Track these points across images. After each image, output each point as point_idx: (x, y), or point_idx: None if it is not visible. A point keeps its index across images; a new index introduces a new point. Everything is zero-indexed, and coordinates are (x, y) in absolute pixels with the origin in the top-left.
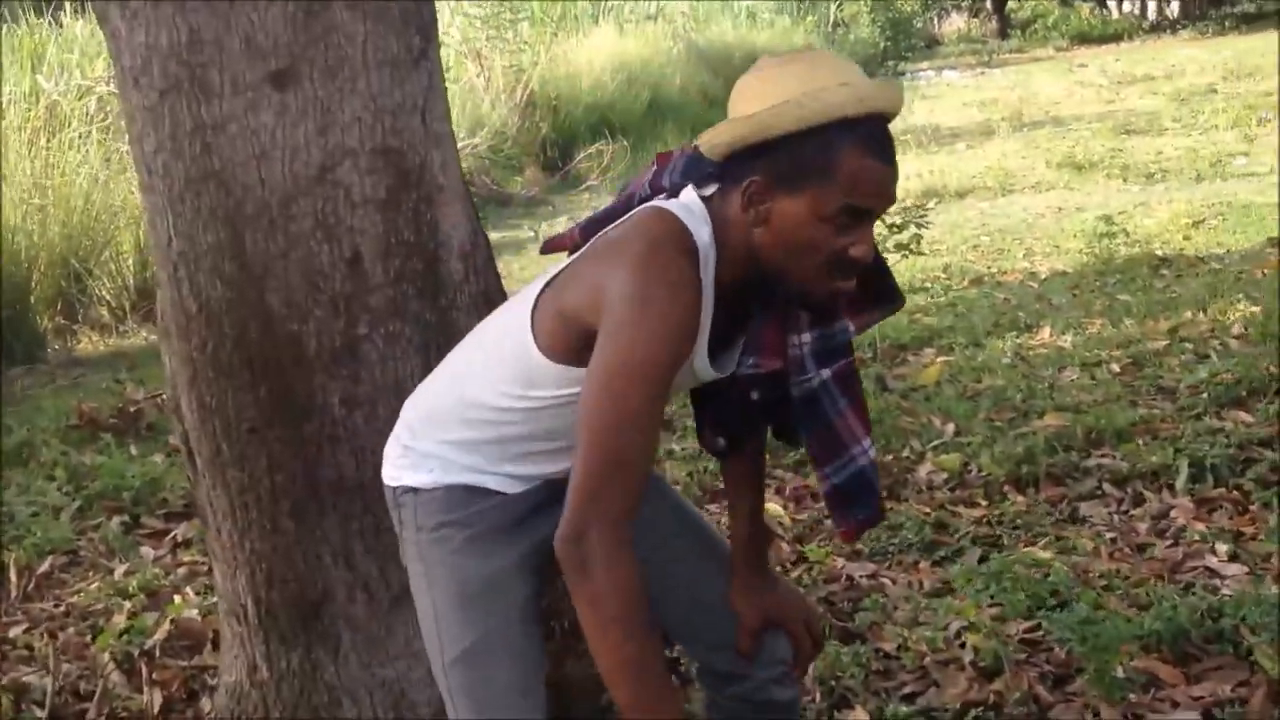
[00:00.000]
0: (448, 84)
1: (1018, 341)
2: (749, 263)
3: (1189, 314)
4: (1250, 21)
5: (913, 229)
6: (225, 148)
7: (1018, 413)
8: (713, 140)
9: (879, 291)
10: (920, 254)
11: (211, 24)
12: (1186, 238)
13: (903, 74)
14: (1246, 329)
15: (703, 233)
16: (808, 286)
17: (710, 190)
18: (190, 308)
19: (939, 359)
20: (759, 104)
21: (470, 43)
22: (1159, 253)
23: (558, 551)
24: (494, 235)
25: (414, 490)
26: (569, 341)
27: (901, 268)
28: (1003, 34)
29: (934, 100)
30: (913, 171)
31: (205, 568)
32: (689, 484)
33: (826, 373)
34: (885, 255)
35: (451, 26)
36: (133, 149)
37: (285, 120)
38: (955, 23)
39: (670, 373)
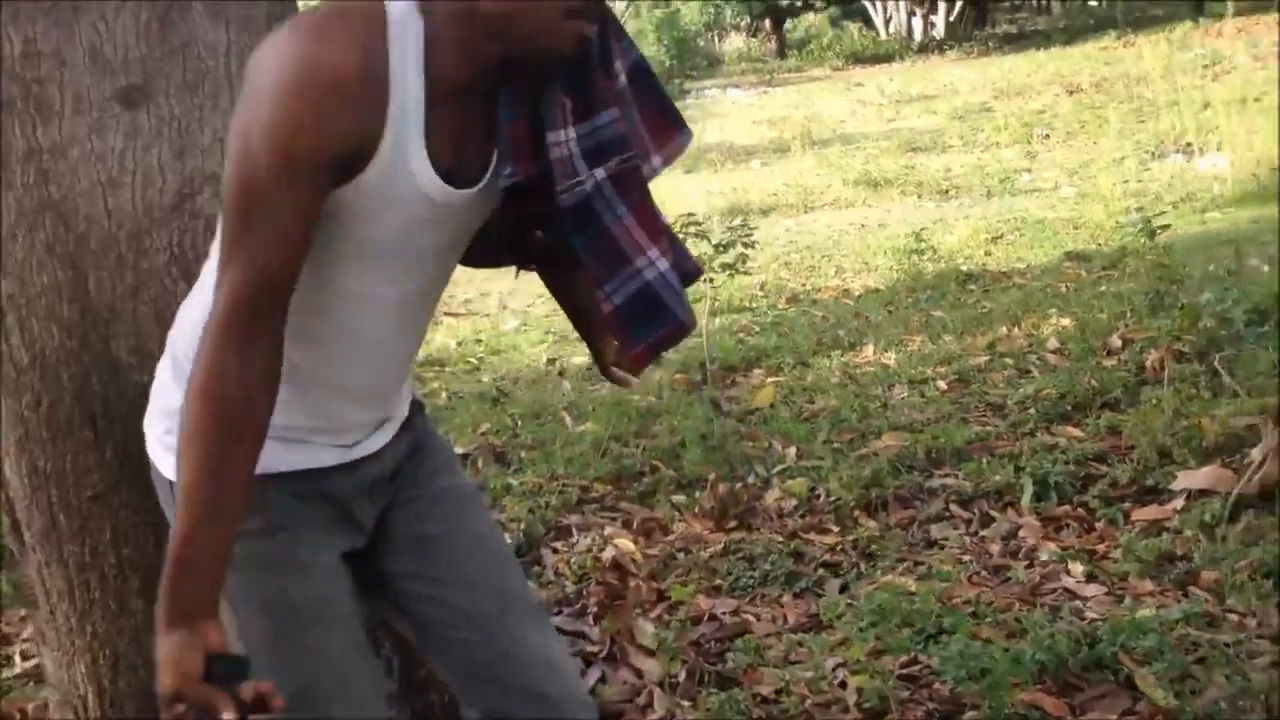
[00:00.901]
0: None
1: (844, 360)
2: (478, 43)
3: (1004, 329)
4: (1012, 42)
5: (739, 248)
6: (66, 175)
7: (856, 433)
8: None
9: (674, 117)
10: (746, 274)
11: (51, 35)
12: (987, 253)
13: (688, 91)
14: (1062, 344)
15: (400, 7)
16: (550, 37)
17: None
18: (20, 359)
19: (769, 380)
20: None
21: None
22: (964, 268)
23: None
24: None
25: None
26: None
27: (724, 288)
28: (781, 53)
29: (722, 118)
30: (714, 189)
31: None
32: (530, 520)
33: (601, 173)
34: (712, 276)
35: None
36: None
37: (136, 143)
38: (735, 42)
39: (291, 167)
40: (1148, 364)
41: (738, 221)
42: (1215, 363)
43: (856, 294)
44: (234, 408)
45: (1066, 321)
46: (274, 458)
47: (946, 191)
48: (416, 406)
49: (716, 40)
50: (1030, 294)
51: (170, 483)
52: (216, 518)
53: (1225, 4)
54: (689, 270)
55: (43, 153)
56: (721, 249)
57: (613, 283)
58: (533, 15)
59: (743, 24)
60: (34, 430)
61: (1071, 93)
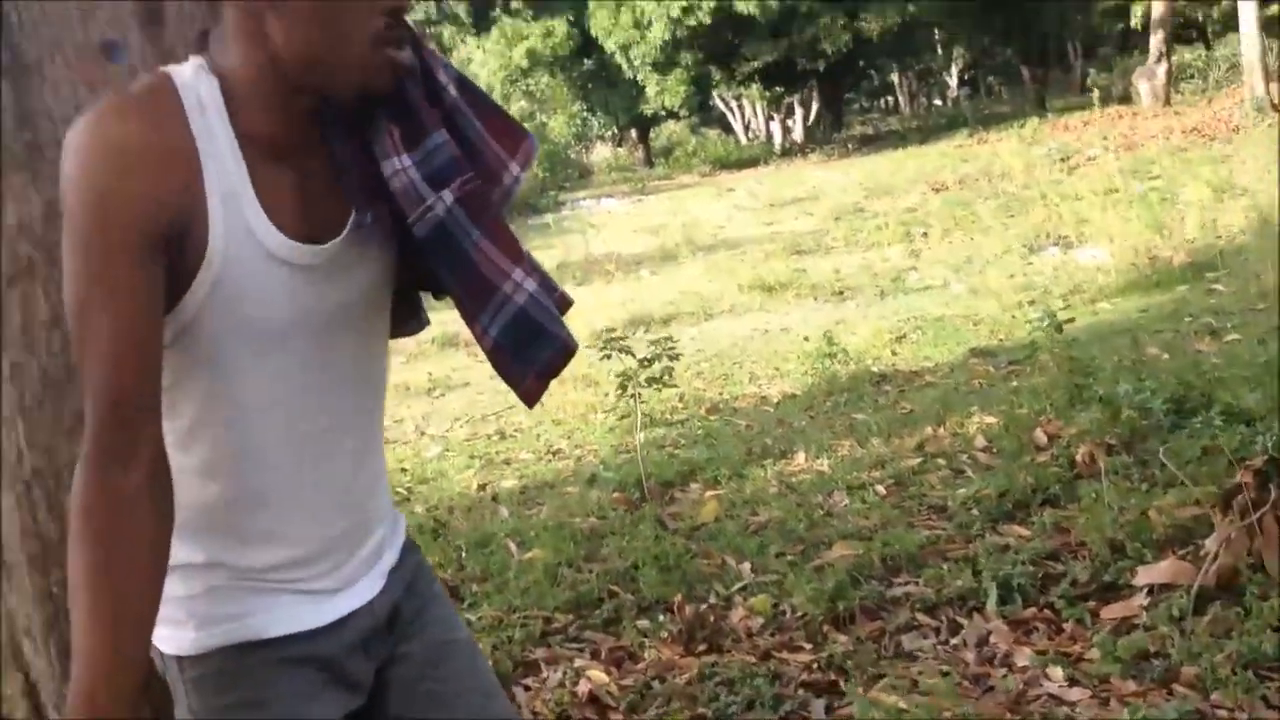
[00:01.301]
0: None
1: (777, 469)
2: (285, 96)
3: (929, 429)
4: (869, 143)
5: (664, 361)
6: None
7: (806, 544)
8: None
9: (513, 121)
10: (672, 386)
11: None
12: (894, 352)
13: (563, 203)
14: (989, 441)
15: (186, 72)
16: (362, 71)
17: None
18: (50, 534)
19: (708, 494)
20: None
21: None
22: (874, 369)
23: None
24: None
25: (178, 659)
26: None
27: (650, 401)
28: (648, 162)
29: (601, 228)
30: (612, 300)
31: None
32: (498, 657)
33: (449, 195)
34: (638, 391)
35: None
36: None
37: None
38: (602, 152)
39: (108, 251)
40: (1078, 458)
41: (642, 331)
42: (1142, 454)
43: (775, 400)
44: (117, 528)
45: (990, 419)
46: (247, 622)
47: (840, 293)
48: (409, 547)
49: (585, 152)
50: (946, 392)
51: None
52: (111, 624)
53: (1065, 99)
54: (560, 299)
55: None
56: (646, 363)
57: (486, 313)
58: (338, 55)
59: (608, 135)
60: None
61: (937, 190)
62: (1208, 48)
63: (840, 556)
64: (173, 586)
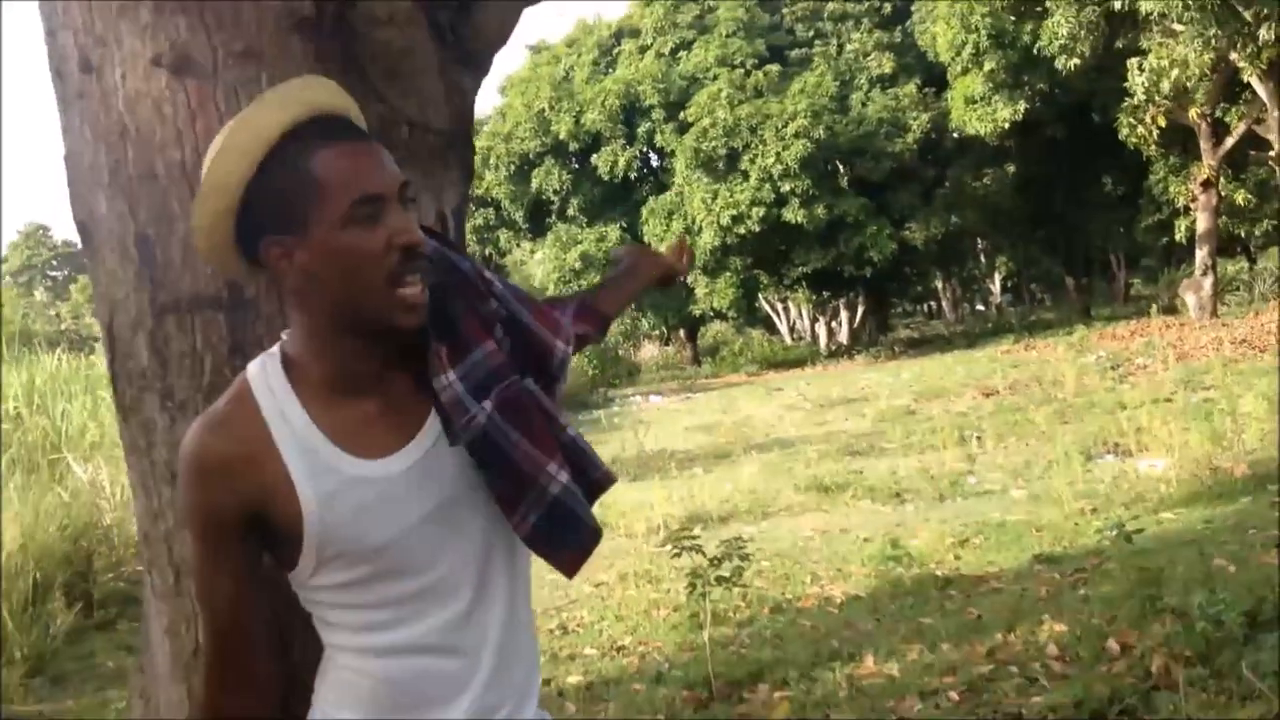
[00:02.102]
0: None
1: (846, 672)
2: (332, 337)
3: (999, 636)
4: (915, 346)
5: (735, 560)
6: None
7: None
8: (196, 231)
9: (553, 314)
10: (743, 586)
11: None
12: (957, 557)
13: (612, 400)
14: (1061, 650)
15: (255, 366)
16: (384, 310)
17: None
18: None
19: (777, 694)
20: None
21: None
22: (938, 573)
23: None
24: None
25: None
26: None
27: (721, 601)
28: (695, 360)
29: (653, 425)
30: (669, 497)
31: None
32: None
33: (489, 404)
34: (708, 589)
35: None
36: (151, 550)
37: None
38: (649, 350)
39: (218, 547)
40: (1153, 669)
41: (700, 529)
42: (1218, 667)
43: (839, 601)
44: None
45: (1060, 627)
46: None
47: (898, 495)
48: None
49: (633, 350)
50: (1013, 599)
51: None
52: None
53: (1110, 309)
54: (600, 479)
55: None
56: (716, 562)
57: (524, 505)
58: (357, 297)
59: (656, 333)
60: None
61: (988, 395)
62: (1251, 262)
63: None
64: None
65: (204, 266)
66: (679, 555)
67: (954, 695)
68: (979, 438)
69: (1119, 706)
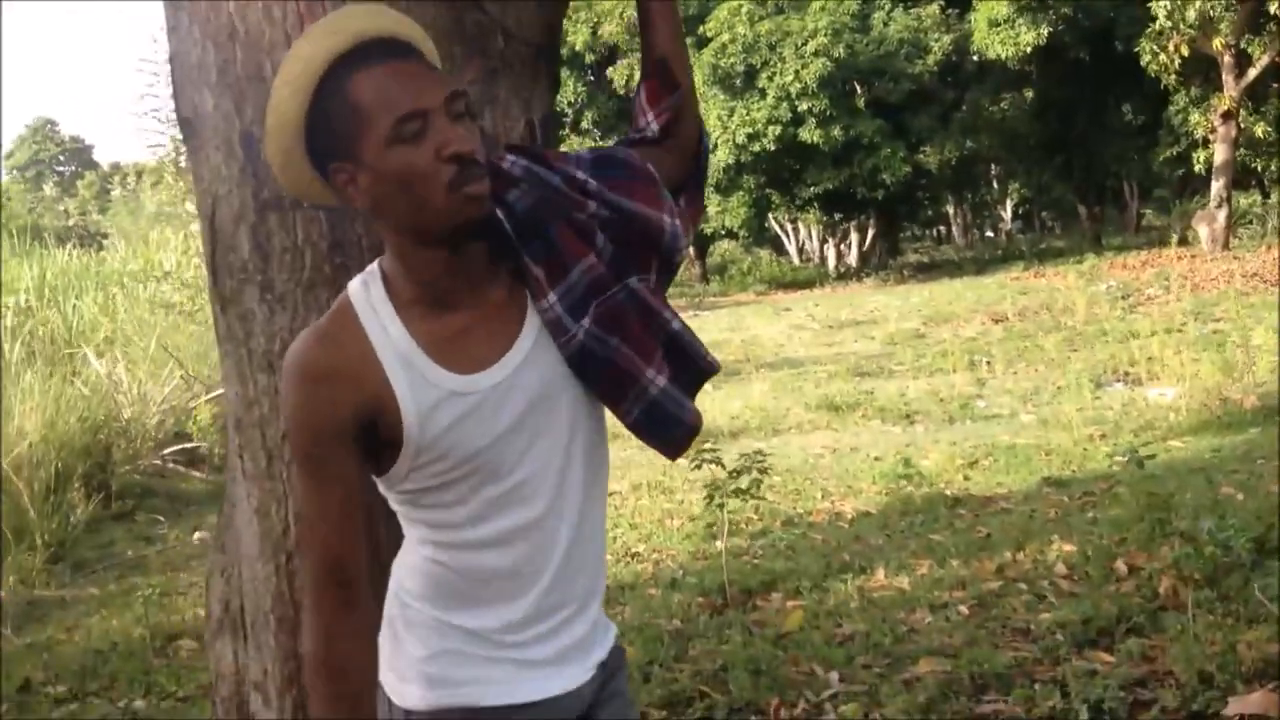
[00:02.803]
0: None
1: (858, 584)
2: (414, 251)
3: (1008, 554)
4: (924, 270)
5: (754, 473)
6: None
7: (893, 658)
8: (275, 169)
9: (657, 191)
10: (761, 498)
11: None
12: (966, 478)
13: None
14: (1070, 569)
15: (357, 284)
16: (451, 214)
17: None
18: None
19: (790, 604)
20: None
21: None
22: (948, 493)
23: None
24: None
25: (407, 713)
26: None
27: (738, 512)
28: (704, 278)
29: None
30: None
31: None
32: None
33: (586, 321)
34: (726, 501)
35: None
36: (243, 436)
37: None
38: None
39: (329, 459)
40: (1161, 590)
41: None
42: (1225, 590)
43: (849, 517)
44: (346, 678)
45: (1069, 547)
46: (474, 689)
47: (908, 416)
48: (618, 652)
49: None
50: (1022, 519)
51: (402, 709)
52: None
53: (1122, 238)
54: (704, 369)
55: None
56: (735, 475)
57: (627, 402)
58: (424, 210)
59: None
60: None
61: (998, 321)
62: (1264, 196)
63: (928, 672)
64: (412, 646)
65: None
66: (699, 467)
67: (963, 609)
68: (988, 363)
69: (1126, 625)
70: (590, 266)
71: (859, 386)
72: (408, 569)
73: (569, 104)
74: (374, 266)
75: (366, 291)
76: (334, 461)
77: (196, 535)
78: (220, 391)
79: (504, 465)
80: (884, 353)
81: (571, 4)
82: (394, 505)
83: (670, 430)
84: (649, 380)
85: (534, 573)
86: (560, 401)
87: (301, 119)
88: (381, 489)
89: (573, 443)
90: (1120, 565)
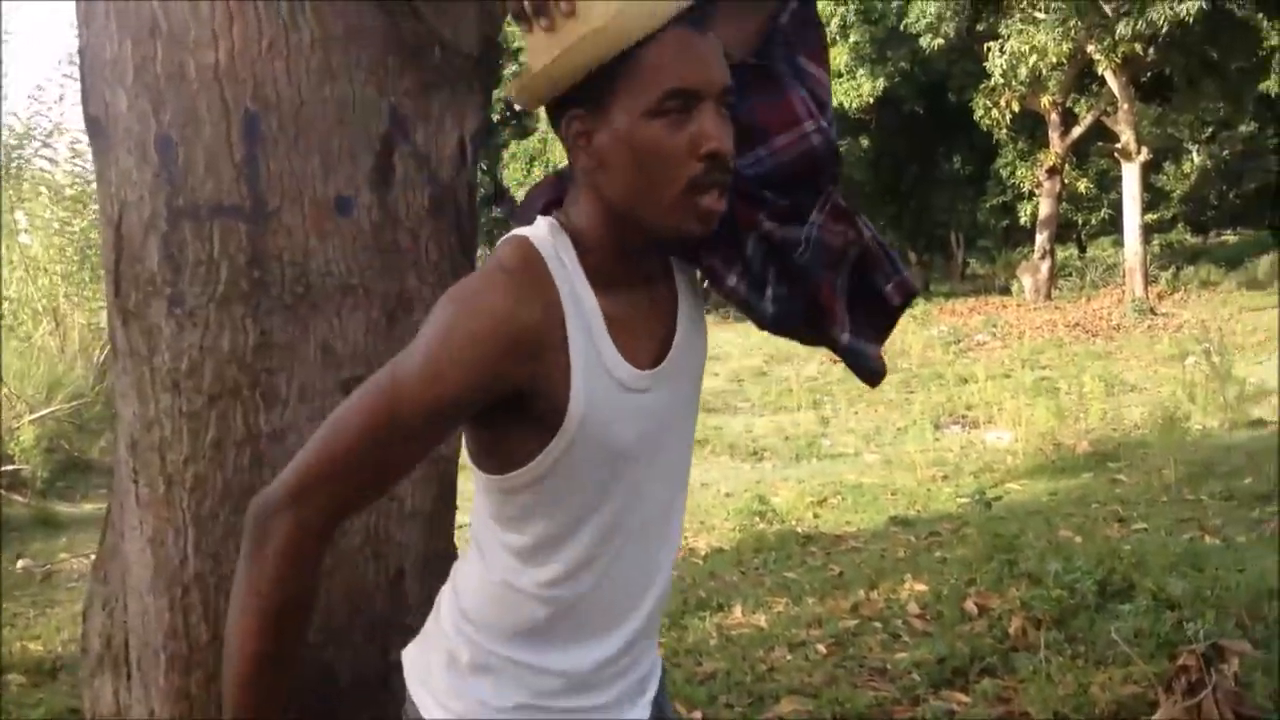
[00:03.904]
0: (19, 341)
1: (715, 621)
2: (615, 226)
3: (862, 592)
4: None
5: None
6: (280, 459)
7: (754, 696)
8: (523, 87)
9: (782, 104)
10: None
11: (288, 329)
12: (816, 515)
13: None
14: (923, 608)
15: (543, 233)
16: (674, 215)
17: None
18: (200, 637)
19: (715, 619)
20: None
21: (49, 299)
22: (798, 530)
23: (251, 505)
24: (82, 508)
25: None
26: (474, 437)
27: None
28: None
29: None
30: None
31: None
32: None
33: (769, 291)
34: None
35: (26, 284)
36: (139, 459)
37: None
38: None
39: (445, 405)
40: (1011, 630)
41: None
42: (1073, 631)
43: (703, 553)
44: (295, 605)
45: (921, 586)
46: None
47: (756, 453)
48: (662, 680)
49: None
50: (871, 557)
51: None
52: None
53: (949, 285)
54: (907, 289)
55: (261, 438)
56: None
57: (829, 340)
58: (652, 199)
59: None
60: (202, 711)
61: (836, 361)
62: (1082, 250)
63: (791, 711)
64: (488, 693)
65: (228, 173)
66: None
67: (821, 648)
68: (830, 402)
69: (980, 665)
70: (766, 234)
71: (706, 422)
72: (488, 600)
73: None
74: (552, 219)
75: (553, 243)
76: (446, 427)
77: (20, 563)
78: (47, 411)
79: (638, 471)
80: (730, 389)
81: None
82: (492, 525)
83: (861, 371)
84: (836, 334)
85: (633, 603)
86: (685, 414)
87: (584, 63)
88: (499, 490)
89: (683, 467)
90: (971, 605)
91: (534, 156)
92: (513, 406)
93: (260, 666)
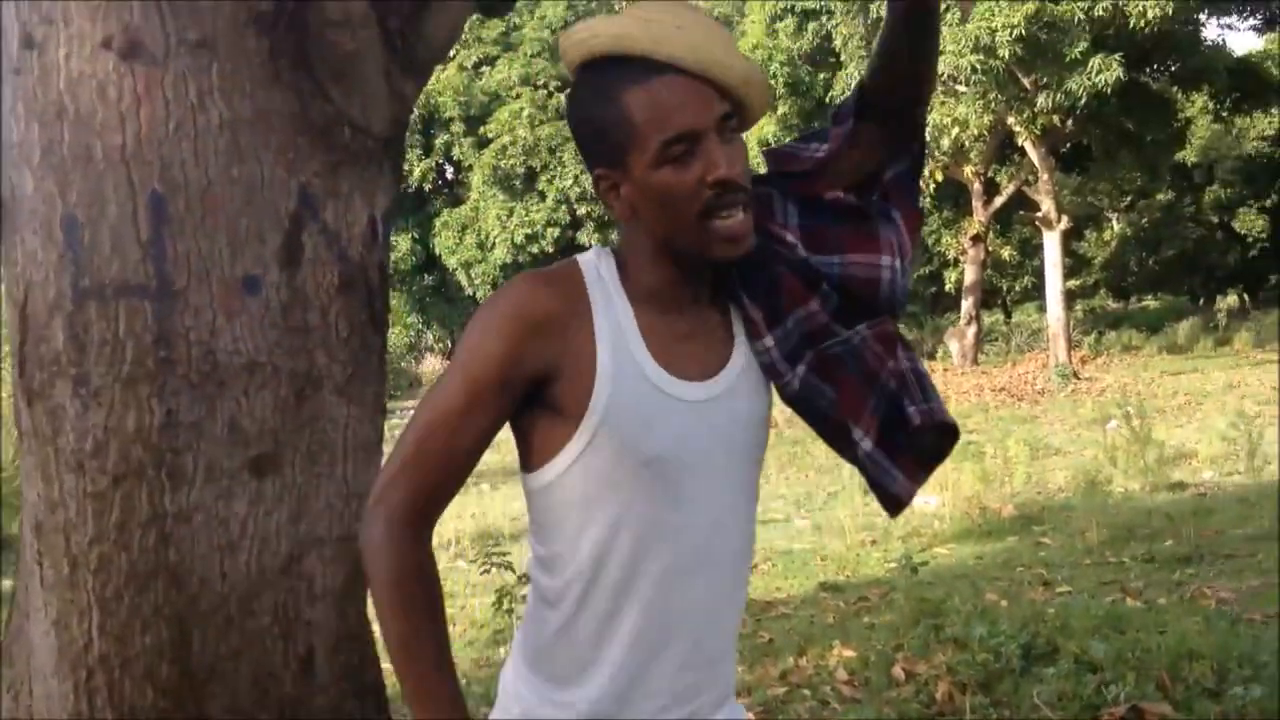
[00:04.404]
0: None
1: None
2: (657, 258)
3: (791, 659)
4: None
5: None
6: (186, 539)
7: None
8: (568, 37)
9: (868, 230)
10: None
11: (195, 408)
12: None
13: (393, 412)
14: (851, 675)
15: (591, 255)
16: (699, 243)
17: None
18: None
19: None
20: None
21: None
22: None
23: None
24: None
25: None
26: (516, 431)
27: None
28: None
29: None
30: (459, 513)
31: None
32: None
33: (802, 369)
34: (513, 607)
35: None
36: (44, 541)
37: (260, 509)
38: (432, 363)
39: (497, 386)
40: (938, 695)
41: (491, 545)
42: (998, 696)
43: None
44: (427, 591)
45: (849, 652)
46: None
47: None
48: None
49: (416, 363)
50: (801, 623)
51: None
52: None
53: None
54: (932, 417)
55: (167, 518)
56: (524, 579)
57: (849, 449)
58: (673, 226)
59: (439, 347)
60: None
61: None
62: (1007, 315)
63: None
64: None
65: (134, 253)
66: (486, 571)
67: (751, 716)
68: (763, 468)
69: None
70: (810, 315)
71: None
72: (534, 627)
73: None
74: (606, 248)
75: (597, 262)
76: (492, 405)
77: None
78: None
79: (680, 485)
80: None
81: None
82: (535, 548)
83: (882, 491)
84: (857, 439)
85: (663, 636)
86: (748, 439)
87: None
88: (536, 490)
89: (738, 494)
90: (899, 670)
91: (465, 225)
92: (545, 396)
93: (410, 647)
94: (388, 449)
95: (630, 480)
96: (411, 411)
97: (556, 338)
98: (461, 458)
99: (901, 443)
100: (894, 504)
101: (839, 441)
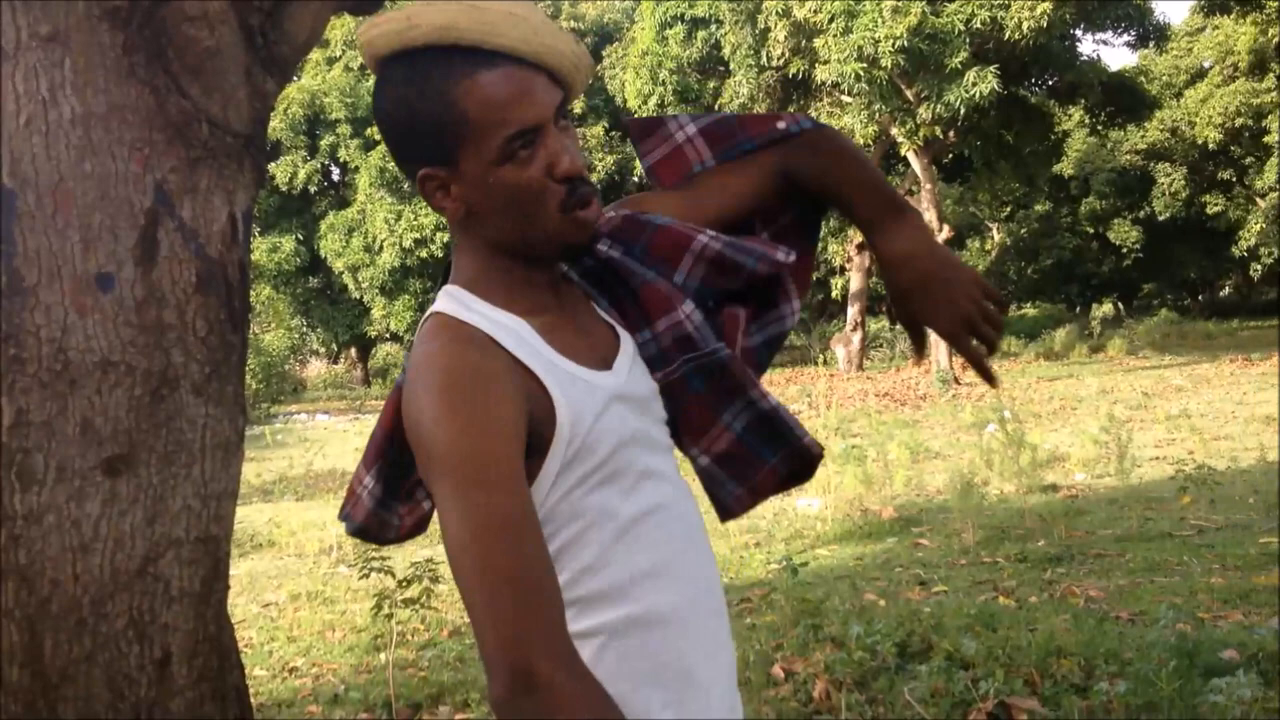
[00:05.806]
0: None
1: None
2: (505, 261)
3: None
4: None
5: (425, 582)
6: (37, 540)
7: None
8: (373, 26)
9: (661, 290)
10: (432, 608)
11: (45, 407)
12: None
13: (275, 416)
14: None
15: (449, 305)
16: (561, 235)
17: None
18: None
19: (458, 716)
20: None
21: None
22: None
23: (497, 712)
24: None
25: None
26: None
27: (408, 624)
28: (366, 381)
29: (322, 444)
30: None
31: None
32: None
33: (672, 369)
34: (392, 612)
35: None
36: None
37: (113, 509)
38: (316, 367)
39: (506, 461)
40: (815, 694)
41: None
42: (873, 693)
43: None
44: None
45: None
46: None
47: None
48: None
49: (299, 366)
50: None
51: None
52: None
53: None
54: (803, 448)
55: (17, 519)
56: (404, 584)
57: (696, 448)
58: (534, 229)
59: (323, 351)
60: None
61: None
62: (892, 323)
63: None
64: None
65: None
66: (366, 576)
67: None
68: None
69: None
70: (676, 324)
71: None
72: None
73: None
74: (451, 288)
75: (457, 303)
76: (518, 464)
77: None
78: None
79: (648, 468)
80: None
81: None
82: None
83: (716, 501)
84: (694, 456)
85: (693, 612)
86: (660, 420)
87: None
88: (545, 518)
89: (676, 469)
90: (778, 670)
91: (352, 228)
92: (533, 445)
93: None
94: (248, 450)
95: (607, 481)
96: (299, 417)
97: (512, 383)
98: (545, 559)
99: (743, 470)
100: (725, 514)
101: (681, 443)
